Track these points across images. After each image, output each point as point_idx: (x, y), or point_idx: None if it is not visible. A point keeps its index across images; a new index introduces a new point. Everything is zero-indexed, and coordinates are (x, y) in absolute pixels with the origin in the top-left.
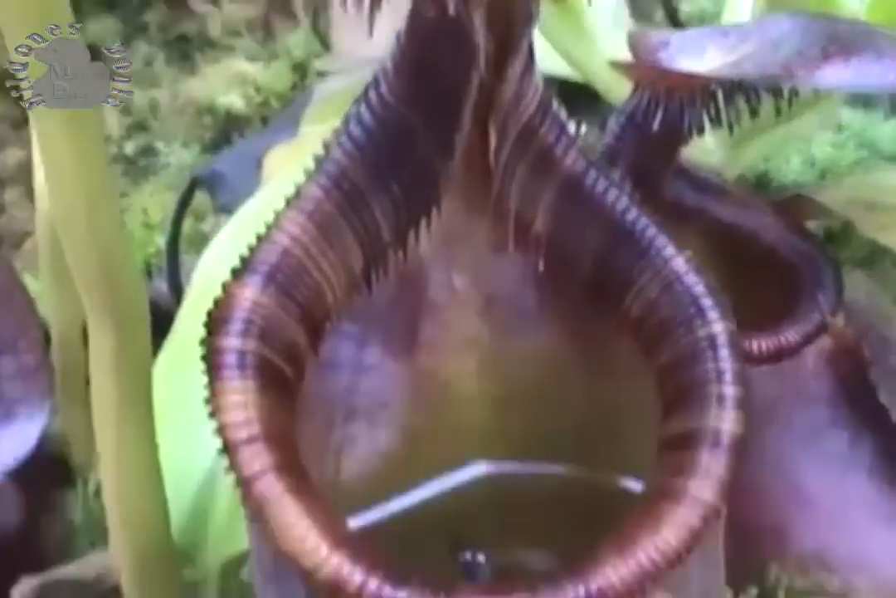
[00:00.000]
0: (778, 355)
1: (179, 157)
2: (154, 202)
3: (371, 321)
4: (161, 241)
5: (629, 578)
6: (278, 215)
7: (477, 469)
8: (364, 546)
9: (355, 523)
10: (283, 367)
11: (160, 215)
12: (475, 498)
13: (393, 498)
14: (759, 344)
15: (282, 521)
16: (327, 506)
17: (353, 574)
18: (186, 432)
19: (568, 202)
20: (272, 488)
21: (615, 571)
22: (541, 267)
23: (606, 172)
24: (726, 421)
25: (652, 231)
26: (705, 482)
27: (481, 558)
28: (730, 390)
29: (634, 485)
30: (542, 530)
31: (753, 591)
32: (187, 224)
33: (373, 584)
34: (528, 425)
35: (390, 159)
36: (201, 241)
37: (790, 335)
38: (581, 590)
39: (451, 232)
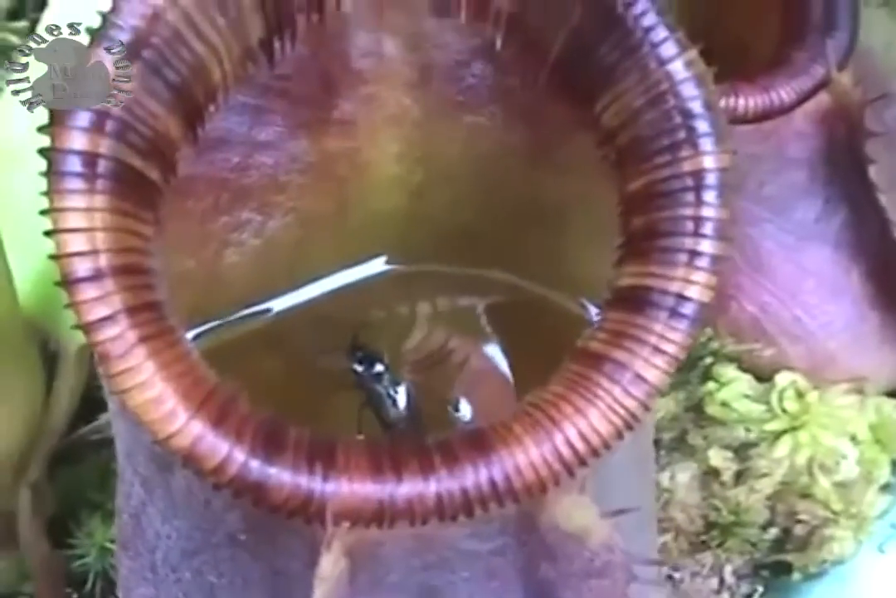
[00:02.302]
0: (766, 116)
1: None
2: None
3: (271, 92)
4: None
5: (542, 465)
6: None
7: (383, 266)
8: (231, 403)
9: (238, 321)
10: (147, 170)
11: None
12: (379, 300)
13: (283, 294)
14: (747, 102)
15: (131, 379)
16: (190, 356)
17: (217, 446)
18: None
19: None
20: (121, 338)
21: (526, 454)
22: (497, 43)
23: None
24: (694, 287)
25: (649, 20)
26: (654, 360)
27: (379, 368)
28: (707, 247)
29: (572, 306)
30: (447, 347)
31: None
32: None
33: (239, 456)
34: (451, 221)
35: None
36: None
37: (784, 93)
38: (483, 474)
39: None
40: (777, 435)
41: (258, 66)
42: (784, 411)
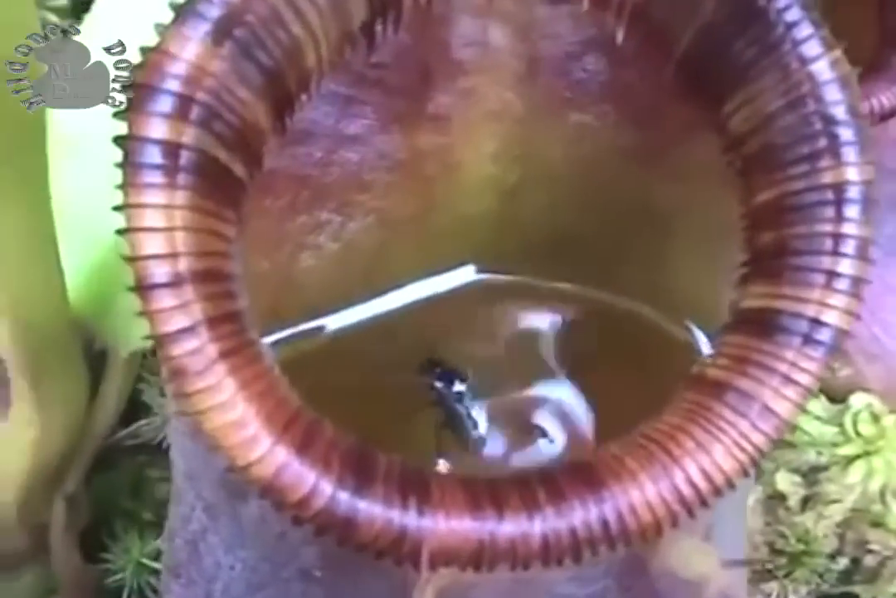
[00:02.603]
0: None
1: None
2: None
3: (365, 82)
4: None
5: (659, 504)
6: None
7: (469, 274)
8: (317, 426)
9: (310, 330)
10: (232, 164)
11: None
12: (461, 312)
13: (359, 303)
14: None
15: (210, 398)
16: (271, 373)
17: (303, 476)
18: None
19: None
20: (201, 352)
21: (642, 492)
22: (618, 35)
23: None
24: (832, 311)
25: (793, 15)
26: (784, 391)
27: (460, 386)
28: (847, 268)
29: (673, 327)
30: (540, 366)
31: None
32: None
33: (327, 488)
34: (546, 227)
35: None
36: None
37: (885, 98)
38: (593, 513)
39: None
40: (850, 460)
41: (356, 51)
42: (858, 434)
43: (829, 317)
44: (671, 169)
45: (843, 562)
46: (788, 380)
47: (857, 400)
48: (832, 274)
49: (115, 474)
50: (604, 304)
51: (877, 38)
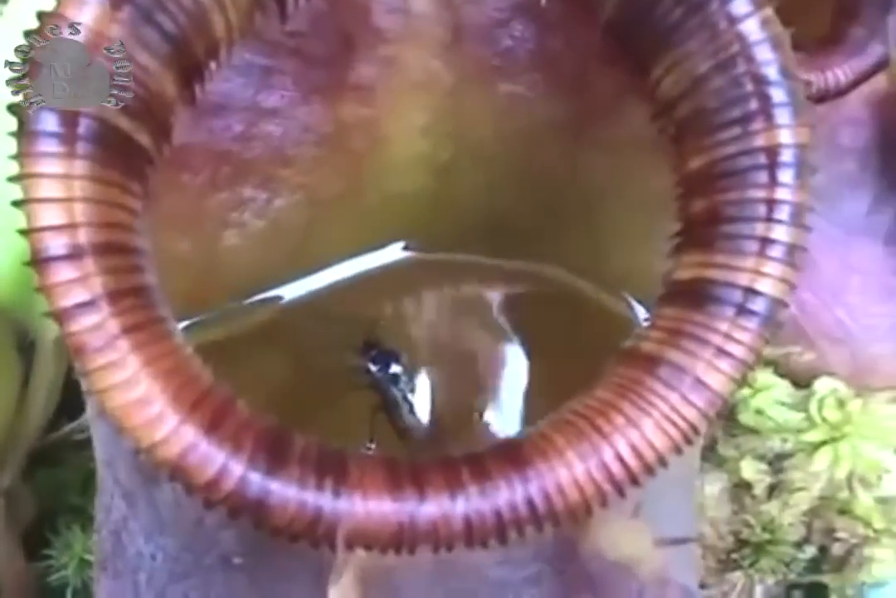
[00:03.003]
0: (820, 99)
1: None
2: None
3: (282, 51)
4: None
5: (587, 483)
6: None
7: (400, 253)
8: (228, 406)
9: (237, 312)
10: (136, 134)
11: None
12: (395, 291)
13: (288, 283)
14: None
15: (111, 376)
16: (181, 350)
17: (211, 456)
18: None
19: None
20: (101, 328)
21: (569, 470)
22: None
23: None
24: (766, 279)
25: None
26: (717, 363)
27: (396, 368)
28: (782, 234)
29: (612, 301)
30: (473, 346)
31: None
32: None
33: (237, 469)
34: (480, 205)
35: None
36: None
37: (841, 73)
38: (518, 492)
39: None
40: (815, 446)
41: (267, 18)
42: (823, 420)
43: (764, 286)
44: (603, 140)
45: (810, 551)
46: (722, 352)
47: (822, 385)
48: (766, 241)
49: (62, 469)
50: (543, 279)
51: (832, 10)
